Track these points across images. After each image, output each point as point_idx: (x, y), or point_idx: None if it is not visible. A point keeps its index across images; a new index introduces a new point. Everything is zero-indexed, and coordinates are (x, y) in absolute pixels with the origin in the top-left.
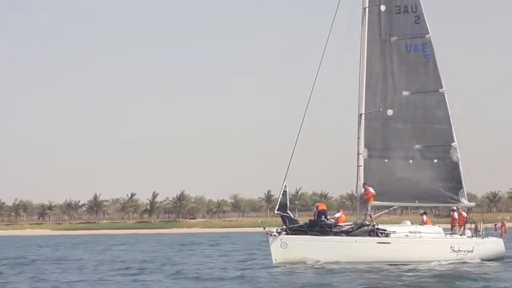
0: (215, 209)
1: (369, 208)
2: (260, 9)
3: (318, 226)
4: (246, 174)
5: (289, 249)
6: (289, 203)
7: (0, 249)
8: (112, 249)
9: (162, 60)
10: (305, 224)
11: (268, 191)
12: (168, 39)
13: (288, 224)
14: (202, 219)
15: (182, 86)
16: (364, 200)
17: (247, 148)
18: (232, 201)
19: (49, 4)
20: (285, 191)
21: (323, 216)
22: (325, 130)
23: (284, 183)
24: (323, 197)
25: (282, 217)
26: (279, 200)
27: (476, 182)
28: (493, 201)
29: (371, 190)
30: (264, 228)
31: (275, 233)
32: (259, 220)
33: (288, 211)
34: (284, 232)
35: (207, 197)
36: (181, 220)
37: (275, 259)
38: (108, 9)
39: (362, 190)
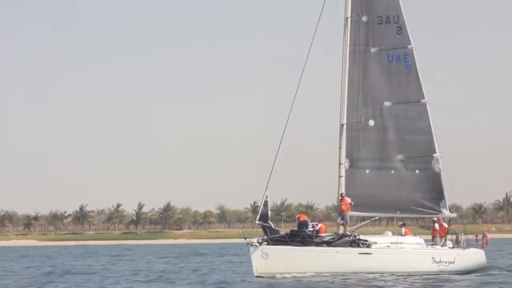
0: (201, 220)
1: (347, 218)
2: (258, 16)
3: (299, 237)
4: (232, 185)
5: (270, 259)
6: (275, 214)
7: (10, 260)
8: (138, 261)
9: (151, 70)
10: (286, 234)
11: (254, 202)
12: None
13: (269, 235)
14: (188, 230)
15: (171, 98)
16: (340, 210)
17: (233, 159)
18: (218, 212)
19: (49, 9)
20: (266, 201)
21: (304, 227)
22: (309, 140)
23: (266, 193)
24: (309, 208)
25: (263, 227)
26: (260, 210)
27: (461, 193)
28: (478, 212)
29: (348, 200)
30: (245, 239)
31: (256, 244)
32: (240, 231)
33: (269, 222)
34: (265, 243)
35: (193, 208)
36: (167, 231)
37: (256, 270)
38: (109, 14)
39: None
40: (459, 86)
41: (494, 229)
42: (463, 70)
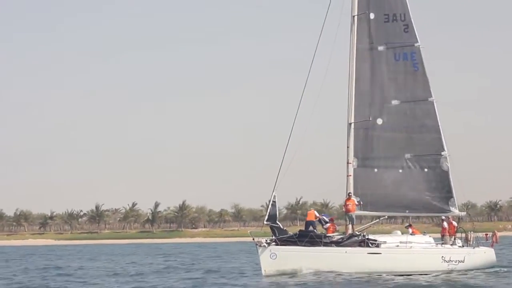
0: (217, 219)
1: (353, 218)
2: (258, 17)
3: (308, 237)
4: (247, 184)
5: (279, 260)
6: (291, 212)
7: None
8: (199, 260)
9: (164, 69)
10: (295, 234)
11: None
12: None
13: (277, 235)
14: (204, 229)
15: (183, 96)
16: (346, 210)
17: (247, 158)
18: (233, 210)
19: (50, 14)
20: (274, 202)
21: (311, 227)
22: (322, 139)
23: (274, 193)
24: (325, 206)
25: (272, 227)
26: (268, 210)
27: (476, 191)
28: (494, 210)
29: (355, 200)
30: (253, 239)
31: (265, 244)
32: (249, 231)
33: (277, 222)
34: (274, 243)
35: (207, 207)
36: (183, 229)
37: (265, 270)
38: (109, 19)
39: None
40: (470, 83)
41: (510, 226)
42: (473, 66)
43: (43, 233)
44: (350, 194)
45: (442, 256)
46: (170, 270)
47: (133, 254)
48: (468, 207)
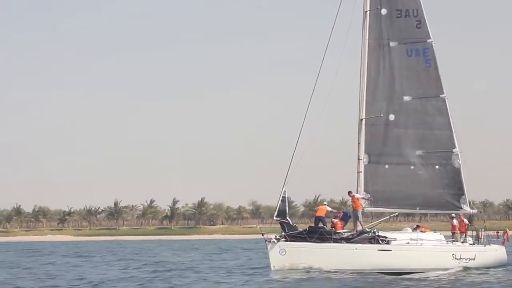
0: (235, 216)
1: (360, 215)
2: (258, 17)
3: (318, 233)
4: (265, 181)
5: (288, 256)
6: (309, 209)
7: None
8: (240, 255)
9: (164, 69)
10: (305, 230)
11: (288, 198)
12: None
13: (287, 231)
14: (222, 226)
15: (201, 92)
16: (352, 208)
17: (264, 155)
18: (251, 207)
19: (50, 14)
20: (284, 197)
21: (320, 223)
22: (337, 135)
23: (283, 189)
24: (343, 204)
25: (281, 223)
26: (278, 206)
27: (492, 189)
28: (511, 208)
29: (357, 196)
30: (262, 235)
31: (274, 240)
32: (258, 227)
33: (287, 218)
34: (283, 239)
35: (225, 204)
36: (201, 226)
37: (274, 266)
38: (109, 19)
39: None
40: (482, 81)
41: None
42: (486, 64)
43: (61, 229)
44: (351, 192)
45: (453, 254)
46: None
47: (194, 249)
48: (486, 205)
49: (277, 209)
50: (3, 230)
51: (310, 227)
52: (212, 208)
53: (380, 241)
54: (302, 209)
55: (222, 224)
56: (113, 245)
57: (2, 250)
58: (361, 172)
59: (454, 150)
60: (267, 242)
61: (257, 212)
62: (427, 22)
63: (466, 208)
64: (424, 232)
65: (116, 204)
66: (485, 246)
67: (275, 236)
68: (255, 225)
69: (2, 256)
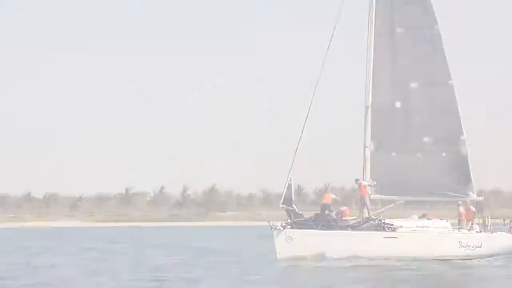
0: (246, 203)
1: (368, 203)
2: (263, 4)
3: (324, 220)
4: (276, 168)
5: (294, 243)
6: (318, 198)
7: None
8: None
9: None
10: (311, 218)
11: (298, 186)
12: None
13: (293, 218)
14: (233, 212)
15: (211, 82)
16: (360, 197)
17: (276, 142)
18: (262, 195)
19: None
20: (290, 184)
21: (327, 210)
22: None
23: (289, 175)
24: (354, 192)
25: (287, 211)
26: (284, 193)
27: (504, 176)
28: None
29: (364, 183)
30: (268, 222)
31: (280, 227)
32: (264, 214)
33: (293, 205)
34: (289, 227)
35: (235, 191)
36: (211, 213)
37: (280, 254)
38: (104, 9)
39: (357, 186)
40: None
41: None
42: (495, 49)
43: (72, 215)
44: (358, 180)
45: (460, 241)
46: None
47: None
48: (496, 194)
49: (283, 196)
50: (15, 216)
51: (316, 214)
52: (222, 195)
53: (386, 229)
54: (313, 197)
55: (234, 211)
56: (136, 232)
57: (30, 237)
58: (367, 159)
59: (461, 137)
60: (273, 230)
61: (268, 200)
62: (434, 8)
63: (473, 195)
64: (431, 219)
65: (127, 190)
66: (491, 233)
67: (281, 224)
68: (265, 212)
69: (48, 242)
